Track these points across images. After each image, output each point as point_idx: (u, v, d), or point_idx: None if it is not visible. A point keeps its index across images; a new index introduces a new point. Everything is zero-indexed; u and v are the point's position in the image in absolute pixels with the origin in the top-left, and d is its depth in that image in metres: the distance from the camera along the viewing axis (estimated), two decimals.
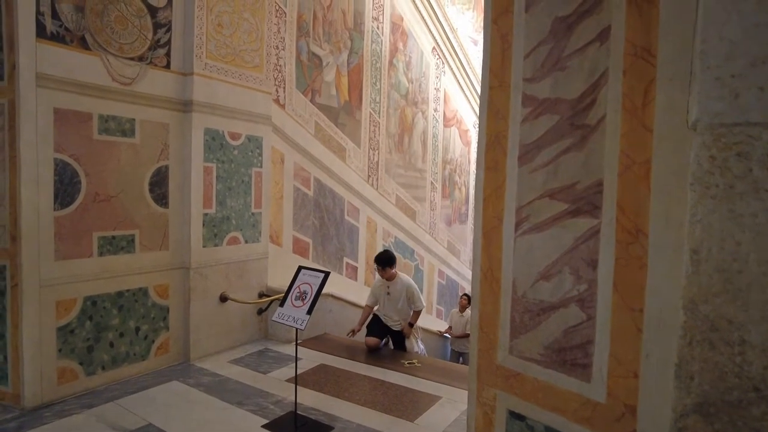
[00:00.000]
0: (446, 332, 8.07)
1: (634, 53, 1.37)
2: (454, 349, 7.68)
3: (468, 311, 6.94)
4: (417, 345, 5.27)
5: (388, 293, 5.12)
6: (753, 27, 0.99)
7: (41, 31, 3.36)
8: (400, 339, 5.24)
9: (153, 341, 4.25)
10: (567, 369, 1.56)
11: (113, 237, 3.89)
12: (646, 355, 1.36)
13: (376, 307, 5.28)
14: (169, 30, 4.22)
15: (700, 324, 1.06)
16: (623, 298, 1.41)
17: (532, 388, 1.67)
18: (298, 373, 3.50)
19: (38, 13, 3.34)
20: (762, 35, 0.98)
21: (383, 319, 5.22)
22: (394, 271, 5.11)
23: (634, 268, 1.38)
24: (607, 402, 1.46)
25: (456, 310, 7.79)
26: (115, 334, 3.96)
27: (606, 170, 1.43)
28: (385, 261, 5.06)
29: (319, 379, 4.21)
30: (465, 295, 7.74)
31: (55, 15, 3.44)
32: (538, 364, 1.64)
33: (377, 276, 5.27)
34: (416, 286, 5.22)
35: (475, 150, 1.84)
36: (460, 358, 7.29)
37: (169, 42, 4.23)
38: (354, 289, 7.03)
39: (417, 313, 5.16)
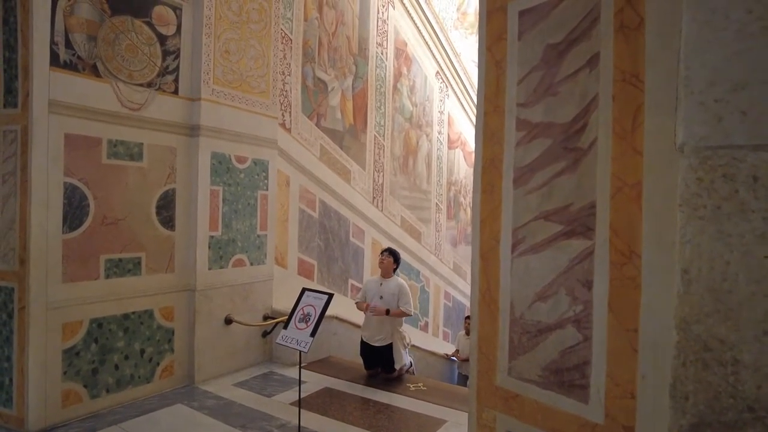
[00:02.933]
0: (453, 355, 7.97)
1: (623, 79, 1.41)
2: (462, 372, 7.57)
3: None
4: (405, 356, 4.95)
5: (380, 294, 4.85)
6: (733, 54, 1.02)
7: (54, 60, 3.48)
8: (387, 358, 4.90)
9: (158, 364, 4.25)
10: (565, 390, 1.55)
11: (120, 259, 3.94)
12: (642, 376, 1.36)
13: (363, 331, 5.04)
14: (177, 57, 4.34)
15: (693, 344, 1.06)
16: (618, 318, 1.42)
17: (531, 410, 1.66)
18: (302, 396, 3.50)
19: (52, 42, 3.46)
20: (742, 62, 1.01)
21: (368, 340, 4.93)
22: (393, 272, 4.96)
23: (629, 288, 1.39)
24: (605, 423, 1.45)
25: (463, 333, 7.70)
26: (120, 356, 3.98)
27: (598, 192, 1.46)
28: (396, 254, 5.02)
29: (323, 402, 4.19)
30: (469, 317, 7.67)
31: (68, 44, 3.56)
32: (537, 385, 1.64)
33: (372, 276, 5.01)
34: (408, 290, 4.99)
35: None
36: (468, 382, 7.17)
37: (177, 68, 4.34)
38: (359, 311, 6.96)
39: (402, 313, 4.84)
